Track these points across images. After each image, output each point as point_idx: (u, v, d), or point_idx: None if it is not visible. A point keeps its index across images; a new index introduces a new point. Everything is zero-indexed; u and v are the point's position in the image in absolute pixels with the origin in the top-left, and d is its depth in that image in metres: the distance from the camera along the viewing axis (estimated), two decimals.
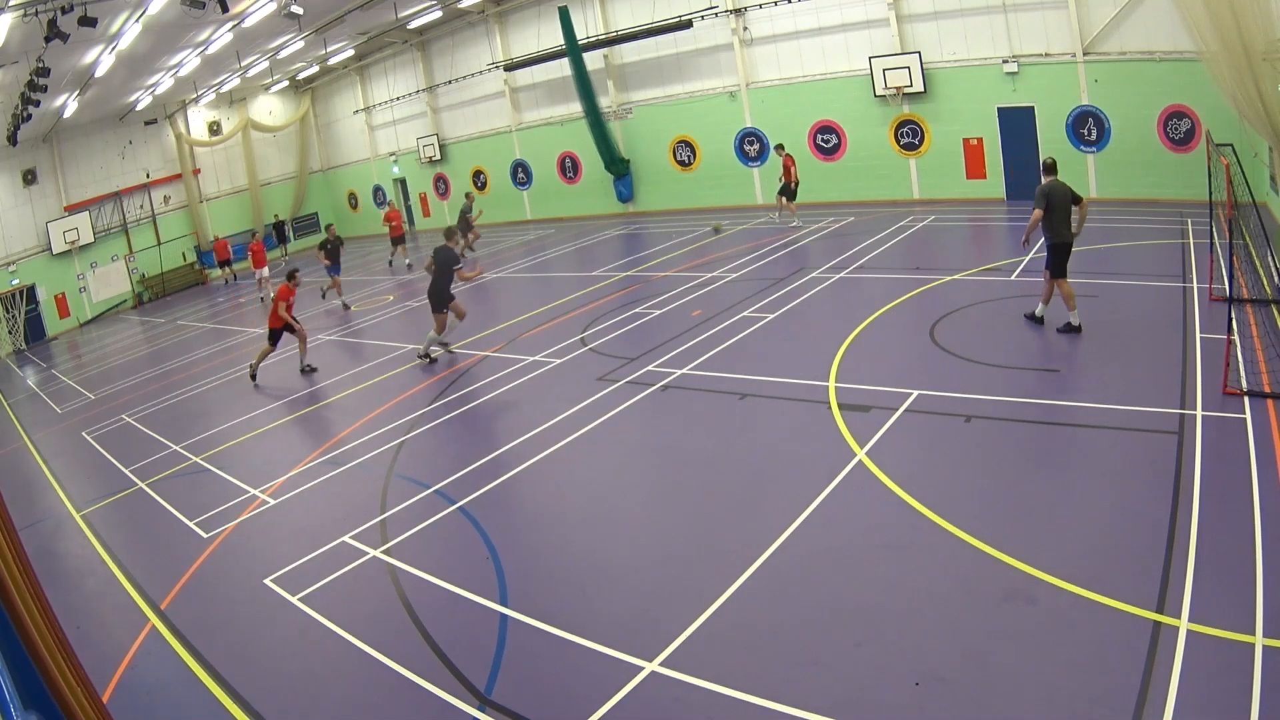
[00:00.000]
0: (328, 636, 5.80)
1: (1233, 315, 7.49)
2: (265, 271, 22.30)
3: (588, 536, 6.70)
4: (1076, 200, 9.06)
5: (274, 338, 13.13)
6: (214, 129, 30.13)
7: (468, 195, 23.26)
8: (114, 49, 17.11)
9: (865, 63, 18.48)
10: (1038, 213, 8.98)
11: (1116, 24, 15.34)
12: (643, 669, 4.84)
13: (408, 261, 22.24)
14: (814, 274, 13.45)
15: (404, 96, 29.30)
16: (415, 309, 16.86)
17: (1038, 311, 9.53)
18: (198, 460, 10.12)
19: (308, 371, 13.19)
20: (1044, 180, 9.13)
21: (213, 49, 20.05)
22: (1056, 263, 9.08)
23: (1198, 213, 12.73)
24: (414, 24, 24.70)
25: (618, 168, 23.90)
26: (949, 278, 12.02)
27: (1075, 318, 9.13)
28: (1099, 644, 4.43)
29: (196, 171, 29.68)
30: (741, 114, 21.36)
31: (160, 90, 24.57)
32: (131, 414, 13.10)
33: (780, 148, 18.49)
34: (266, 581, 6.69)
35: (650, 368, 10.20)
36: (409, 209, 31.97)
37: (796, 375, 9.18)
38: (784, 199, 18.33)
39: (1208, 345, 8.17)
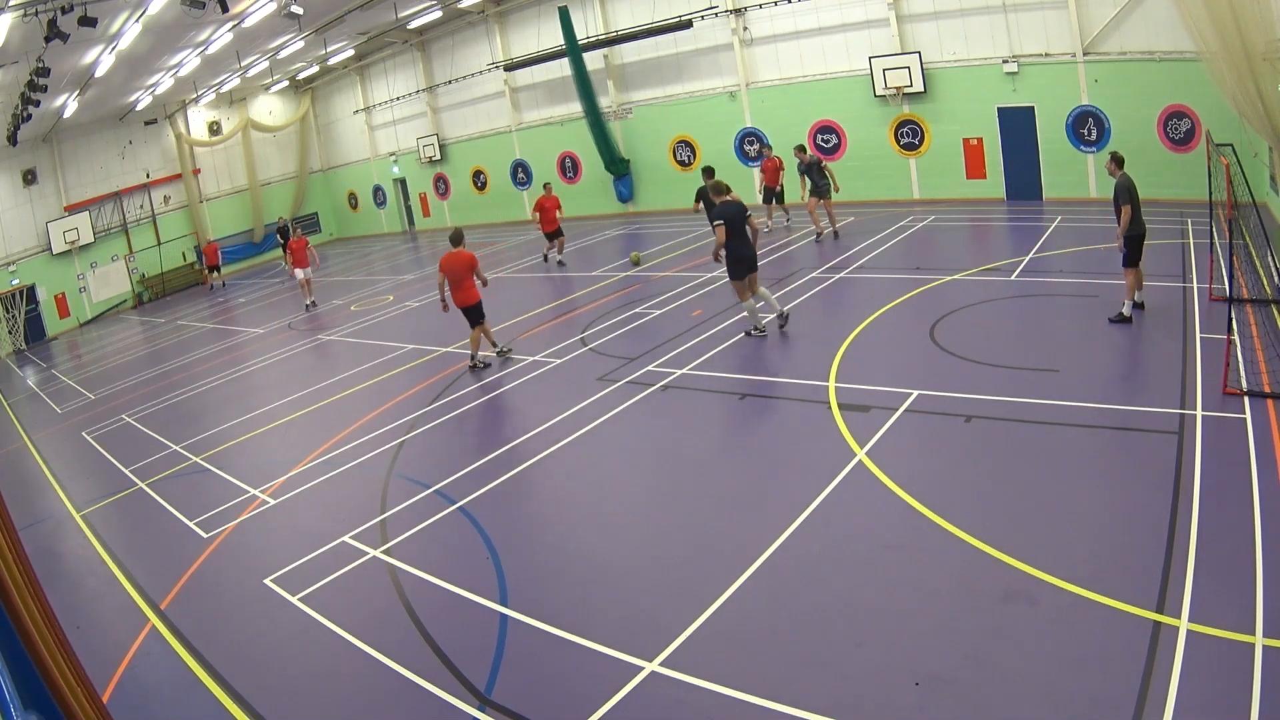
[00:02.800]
0: (328, 637, 5.80)
1: (1233, 315, 7.49)
2: (308, 273, 19.27)
3: (588, 536, 6.70)
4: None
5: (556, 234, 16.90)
6: (214, 129, 30.13)
7: (800, 149, 16.98)
8: (114, 49, 17.11)
9: (865, 63, 18.48)
10: (1128, 209, 8.95)
11: (1116, 24, 15.34)
12: (643, 669, 4.84)
13: (559, 258, 18.48)
14: (814, 274, 13.44)
15: (404, 96, 29.29)
16: (416, 309, 16.87)
17: (1125, 311, 9.29)
18: (198, 460, 10.13)
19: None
20: (1119, 174, 9.11)
21: (213, 49, 20.04)
22: (1134, 253, 9.11)
23: (1198, 213, 12.73)
24: (414, 24, 24.70)
25: (618, 168, 23.90)
26: (949, 278, 12.02)
27: (1128, 308, 9.22)
28: (1099, 644, 4.44)
29: (196, 171, 29.68)
30: (741, 114, 21.36)
31: (160, 90, 24.57)
32: (131, 414, 13.10)
33: (768, 149, 18.24)
34: (266, 581, 6.69)
35: (650, 368, 10.20)
36: (409, 209, 31.98)
37: (796, 375, 9.18)
38: (774, 203, 17.94)
39: (1208, 345, 8.16)
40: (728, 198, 10.48)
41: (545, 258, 18.85)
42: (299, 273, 19.31)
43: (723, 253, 10.28)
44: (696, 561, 5.98)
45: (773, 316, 10.87)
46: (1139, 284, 9.37)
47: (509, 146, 27.01)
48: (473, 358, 11.57)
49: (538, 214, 18.06)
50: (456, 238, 11.42)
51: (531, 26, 24.38)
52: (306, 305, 19.25)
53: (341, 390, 11.89)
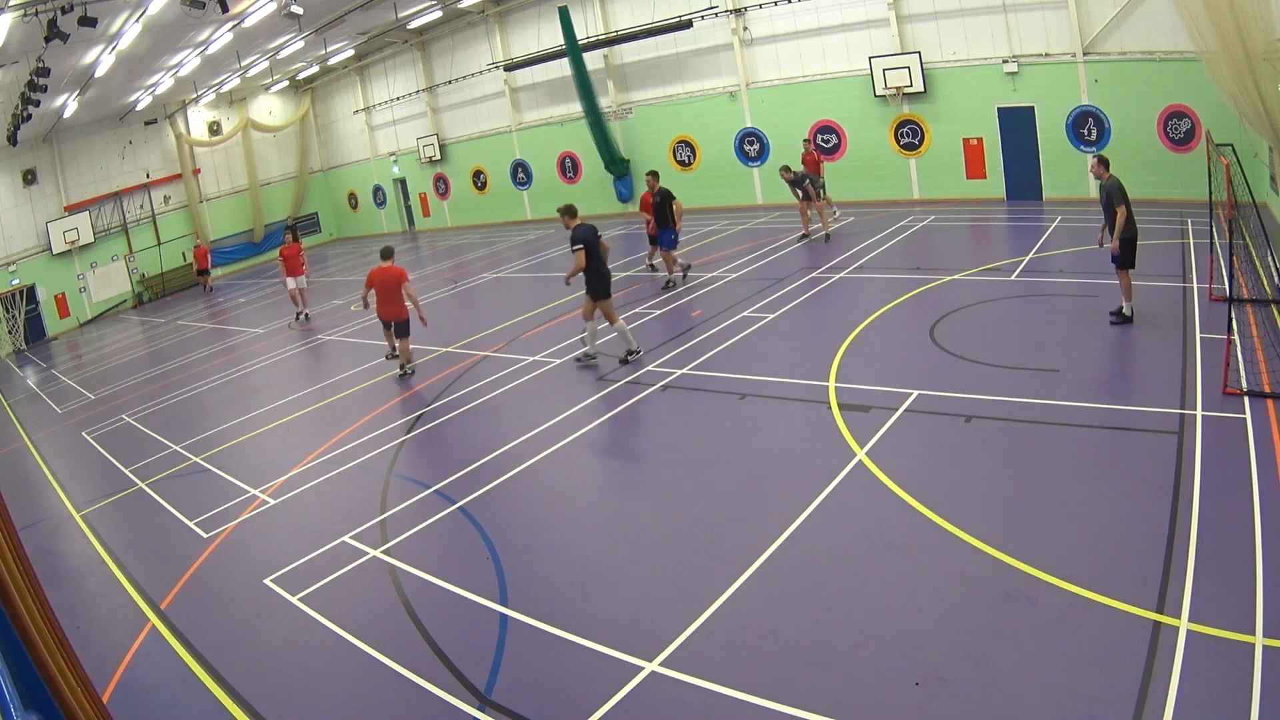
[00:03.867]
0: (328, 636, 5.80)
1: (1233, 315, 7.49)
2: (302, 281, 17.69)
3: (588, 536, 6.70)
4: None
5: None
6: (214, 129, 30.13)
7: (785, 169, 16.19)
8: (114, 49, 17.11)
9: (865, 63, 18.49)
10: (1124, 210, 8.80)
11: (1116, 24, 15.34)
12: (643, 669, 4.84)
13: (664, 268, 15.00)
14: (814, 274, 13.44)
15: (404, 96, 29.31)
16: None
17: (1125, 311, 9.19)
18: (198, 460, 10.12)
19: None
20: (1106, 176, 8.98)
21: (213, 49, 20.05)
22: (1129, 255, 8.99)
23: (1198, 213, 12.74)
24: (414, 24, 24.71)
25: (618, 168, 23.90)
26: (949, 278, 12.03)
27: (1128, 308, 9.16)
28: (1099, 644, 4.43)
29: (196, 171, 29.69)
30: (741, 114, 21.36)
31: (160, 90, 24.58)
32: (131, 414, 13.10)
33: (807, 142, 18.01)
34: (266, 581, 6.69)
35: (650, 368, 10.20)
36: (409, 209, 31.98)
37: (796, 375, 9.18)
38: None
39: (1208, 345, 8.17)
40: (578, 221, 10.52)
41: (653, 266, 15.59)
42: (290, 281, 17.56)
43: (579, 276, 10.36)
44: (696, 561, 5.98)
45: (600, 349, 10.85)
46: (1127, 292, 9.18)
47: (509, 146, 27.01)
48: (402, 366, 11.80)
49: (647, 215, 14.64)
50: (387, 253, 11.70)
51: (531, 26, 24.38)
52: (299, 315, 17.65)
53: (341, 390, 11.88)
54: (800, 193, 16.03)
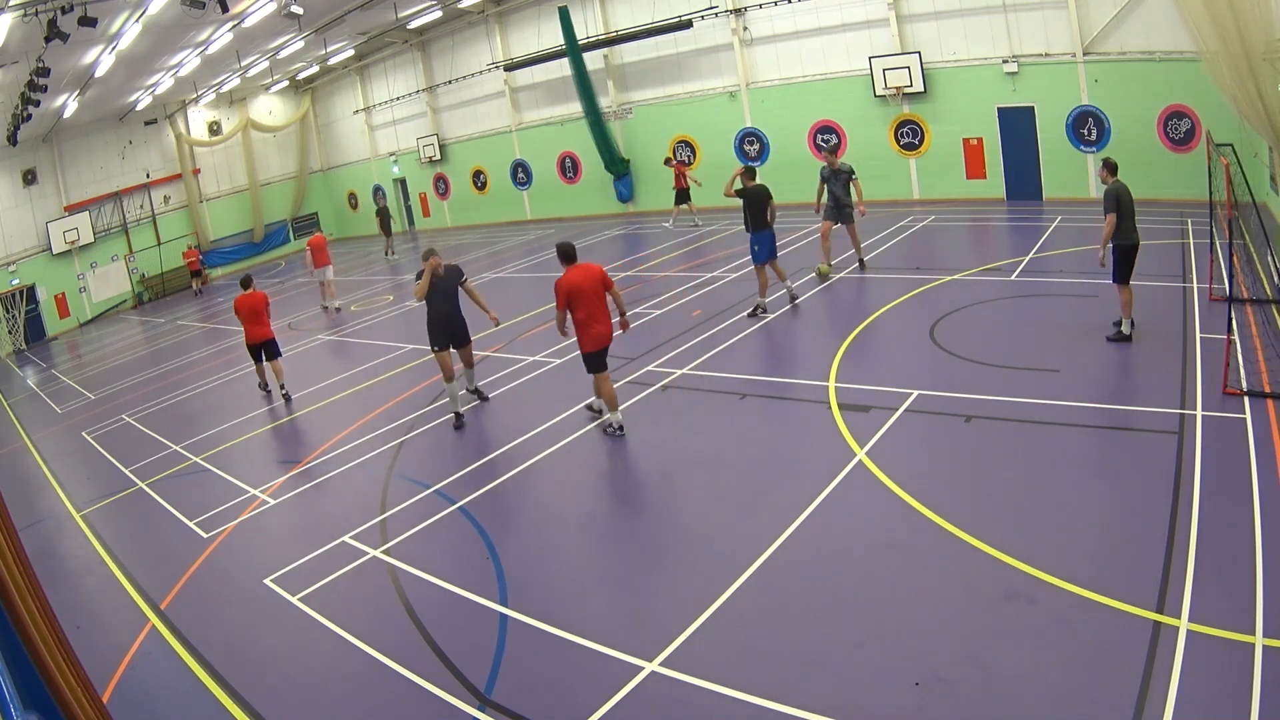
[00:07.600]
0: (328, 636, 5.80)
1: (1233, 315, 7.48)
2: (329, 272, 18.06)
3: (588, 536, 6.71)
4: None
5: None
6: (214, 129, 30.13)
7: (828, 152, 13.42)
8: (114, 49, 17.12)
9: (865, 63, 18.48)
10: (1112, 217, 8.30)
11: (1116, 24, 15.34)
12: (643, 669, 4.84)
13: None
14: (814, 274, 13.43)
15: (404, 96, 29.30)
16: (416, 309, 16.83)
17: (1124, 329, 8.63)
18: (198, 460, 10.12)
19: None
20: (1110, 181, 8.54)
21: (213, 49, 20.05)
22: (1125, 268, 8.46)
23: (1198, 213, 12.73)
24: (414, 24, 24.71)
25: (618, 168, 23.90)
26: (949, 278, 12.02)
27: (1127, 326, 8.59)
28: (1099, 644, 4.43)
29: (196, 171, 29.69)
30: (741, 114, 21.36)
31: (160, 90, 24.58)
32: (131, 414, 13.10)
33: (668, 160, 21.00)
34: (266, 581, 6.69)
35: (650, 368, 10.19)
36: (409, 209, 31.98)
37: (796, 375, 9.18)
38: (681, 205, 20.10)
39: (1208, 345, 8.16)
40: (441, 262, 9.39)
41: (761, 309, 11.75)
42: (318, 272, 18.01)
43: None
44: (696, 561, 5.98)
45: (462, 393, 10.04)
46: (1125, 308, 8.73)
47: (509, 146, 27.00)
48: (282, 386, 11.96)
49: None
50: (246, 282, 12.04)
51: (531, 26, 24.38)
52: (326, 307, 18.23)
53: (341, 390, 11.89)
54: (841, 192, 12.72)
